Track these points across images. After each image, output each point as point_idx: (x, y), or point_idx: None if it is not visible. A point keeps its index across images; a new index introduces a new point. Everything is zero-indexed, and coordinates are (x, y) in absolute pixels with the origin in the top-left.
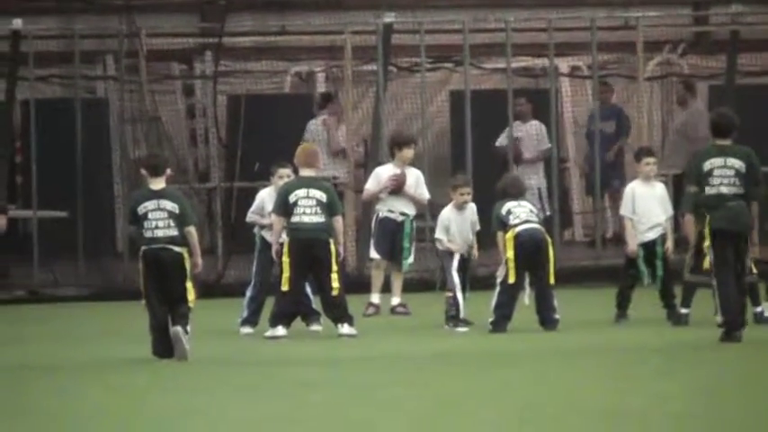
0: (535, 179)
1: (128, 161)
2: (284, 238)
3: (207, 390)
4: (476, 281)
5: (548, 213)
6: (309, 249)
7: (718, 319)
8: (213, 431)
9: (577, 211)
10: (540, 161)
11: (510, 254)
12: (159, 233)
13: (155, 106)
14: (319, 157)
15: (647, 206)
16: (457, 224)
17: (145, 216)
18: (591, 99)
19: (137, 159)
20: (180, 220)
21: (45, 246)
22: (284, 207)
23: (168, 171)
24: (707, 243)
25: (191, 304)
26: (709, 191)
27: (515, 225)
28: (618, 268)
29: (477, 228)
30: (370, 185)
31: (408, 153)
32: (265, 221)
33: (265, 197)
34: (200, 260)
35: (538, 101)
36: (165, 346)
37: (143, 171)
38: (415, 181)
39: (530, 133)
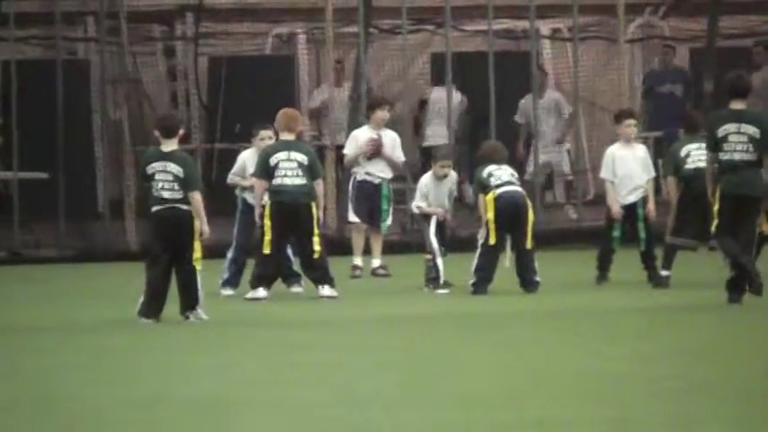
0: (554, 155)
1: (108, 123)
2: (266, 200)
3: (188, 351)
4: (457, 242)
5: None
6: (291, 212)
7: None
8: (195, 392)
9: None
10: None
11: (490, 215)
12: (165, 194)
13: (136, 68)
14: (299, 121)
15: (627, 168)
16: (435, 193)
17: (152, 176)
18: (571, 61)
19: (117, 121)
20: (185, 183)
21: (26, 207)
22: (265, 170)
23: (181, 131)
24: (716, 207)
25: (196, 263)
26: (722, 156)
27: (496, 186)
28: (599, 230)
29: (455, 195)
30: (349, 150)
31: (381, 115)
32: (246, 183)
33: (247, 159)
34: (206, 227)
35: (518, 63)
36: (151, 308)
37: (156, 132)
38: (392, 143)
39: (547, 107)
